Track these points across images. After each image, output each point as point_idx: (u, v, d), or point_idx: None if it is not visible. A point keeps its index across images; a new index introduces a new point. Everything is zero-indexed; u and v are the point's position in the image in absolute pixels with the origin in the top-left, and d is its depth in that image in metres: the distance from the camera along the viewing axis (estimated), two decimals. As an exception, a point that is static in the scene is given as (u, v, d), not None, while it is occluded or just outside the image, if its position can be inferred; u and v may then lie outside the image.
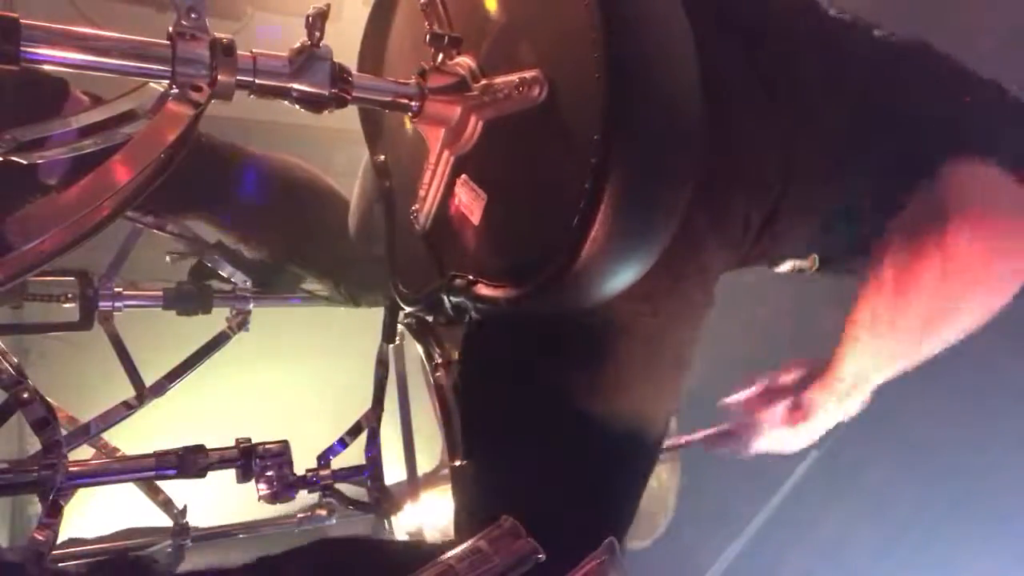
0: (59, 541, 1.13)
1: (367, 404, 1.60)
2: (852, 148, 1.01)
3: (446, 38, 0.91)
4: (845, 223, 1.05)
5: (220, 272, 1.74)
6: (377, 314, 1.57)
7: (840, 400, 1.14)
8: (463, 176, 0.97)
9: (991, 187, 0.98)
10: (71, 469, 1.21)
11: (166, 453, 1.28)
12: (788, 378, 1.24)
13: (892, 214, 1.00)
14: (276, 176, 1.67)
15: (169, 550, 1.54)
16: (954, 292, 0.99)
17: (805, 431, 1.21)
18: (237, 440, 1.37)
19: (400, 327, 1.54)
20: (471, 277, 0.94)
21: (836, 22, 1.07)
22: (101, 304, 1.64)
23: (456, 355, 1.15)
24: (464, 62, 0.92)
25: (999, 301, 1.01)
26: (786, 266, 1.17)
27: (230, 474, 1.35)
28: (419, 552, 0.80)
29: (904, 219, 0.99)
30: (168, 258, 1.71)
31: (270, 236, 1.69)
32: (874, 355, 1.07)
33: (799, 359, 1.24)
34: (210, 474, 1.31)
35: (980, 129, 1.05)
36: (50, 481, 1.12)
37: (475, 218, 0.94)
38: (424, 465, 1.88)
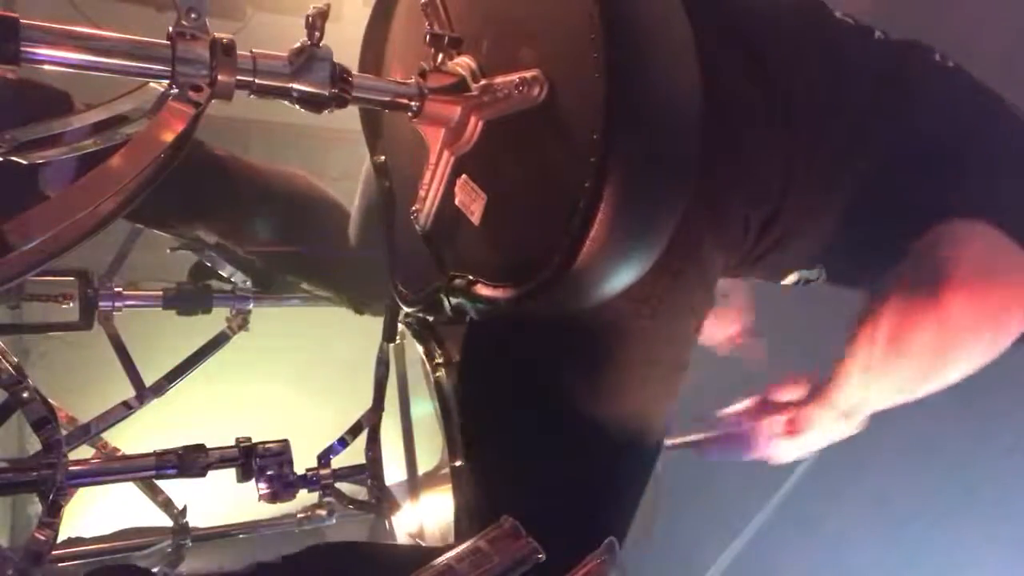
0: (59, 541, 1.13)
1: (367, 404, 1.60)
2: (852, 156, 1.01)
3: (446, 38, 0.91)
4: (848, 234, 1.05)
5: (220, 272, 1.74)
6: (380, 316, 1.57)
7: (836, 420, 1.15)
8: (463, 176, 0.97)
9: (991, 250, 1.00)
10: (71, 469, 1.21)
11: (166, 453, 1.28)
12: (786, 392, 1.24)
13: (894, 249, 1.01)
14: (275, 187, 1.68)
15: (169, 550, 1.54)
16: (946, 350, 1.01)
17: (797, 445, 1.22)
18: (237, 439, 1.37)
19: (400, 326, 1.54)
20: (471, 277, 0.94)
21: (840, 28, 1.07)
22: (101, 304, 1.64)
23: (456, 355, 1.15)
24: (464, 62, 0.92)
25: (990, 357, 1.03)
26: (792, 278, 1.17)
27: (230, 474, 1.36)
28: (418, 556, 0.80)
29: (902, 274, 1.01)
30: (169, 250, 1.71)
31: (269, 247, 1.69)
32: (866, 393, 1.08)
33: (799, 374, 1.24)
34: (210, 474, 1.31)
35: (985, 159, 1.06)
36: (50, 481, 1.12)
37: (475, 218, 0.94)
38: (424, 465, 1.88)
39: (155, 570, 1.51)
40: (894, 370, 1.03)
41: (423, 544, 1.67)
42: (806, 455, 1.25)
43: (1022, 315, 1.01)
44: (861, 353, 1.05)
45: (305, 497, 1.49)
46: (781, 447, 1.23)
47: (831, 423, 1.15)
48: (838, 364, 1.09)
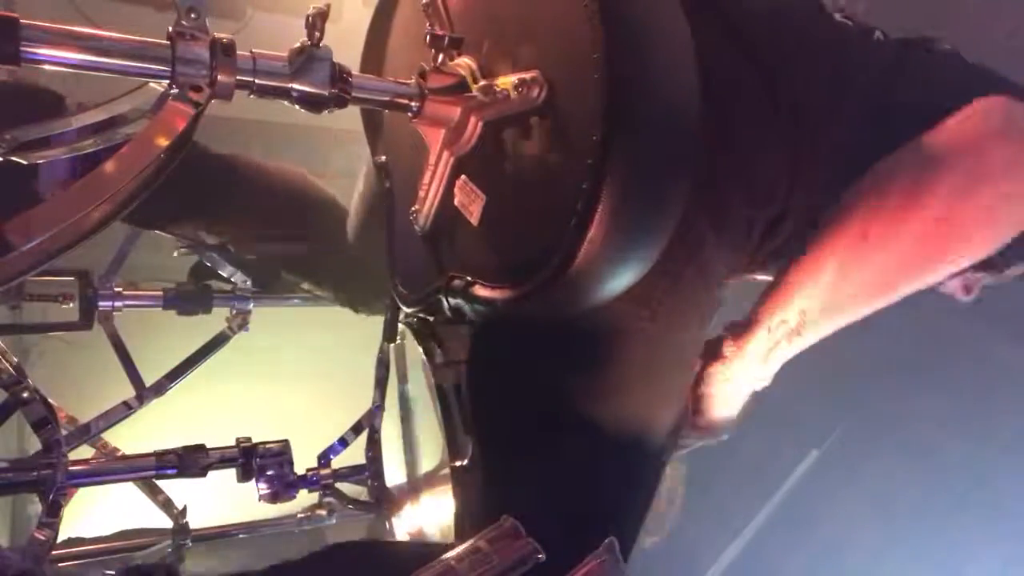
0: (59, 541, 1.13)
1: (367, 404, 1.60)
2: (858, 155, 1.00)
3: (446, 39, 0.91)
4: None
5: (220, 272, 1.75)
6: (378, 315, 1.57)
7: (764, 356, 1.04)
8: (463, 177, 0.97)
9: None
10: (71, 469, 1.21)
11: (166, 453, 1.28)
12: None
13: None
14: (274, 186, 1.68)
15: (169, 550, 1.54)
16: (951, 230, 0.93)
17: (721, 398, 1.08)
18: (237, 439, 1.37)
19: (401, 326, 1.54)
20: (469, 278, 0.94)
21: (840, 28, 1.07)
22: (101, 304, 1.64)
23: (456, 355, 1.15)
24: (464, 63, 0.92)
25: (983, 253, 0.95)
26: None
27: (230, 474, 1.36)
28: (424, 552, 0.80)
29: (888, 163, 0.94)
30: (176, 253, 1.71)
31: (268, 246, 1.69)
32: (826, 295, 0.98)
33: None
34: (210, 474, 1.31)
35: None
36: (50, 481, 1.13)
37: (474, 219, 0.94)
38: (424, 465, 1.89)
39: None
40: (875, 255, 0.94)
41: (425, 543, 1.67)
42: (735, 414, 1.10)
43: None
44: (840, 239, 0.94)
45: (305, 497, 1.49)
46: (708, 404, 1.09)
47: (752, 362, 1.04)
48: (783, 277, 1.00)
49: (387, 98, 0.91)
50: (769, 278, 1.11)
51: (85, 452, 1.41)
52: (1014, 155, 0.91)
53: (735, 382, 1.06)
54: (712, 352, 1.07)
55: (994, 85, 1.03)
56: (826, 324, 1.00)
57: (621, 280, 0.79)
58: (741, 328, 1.05)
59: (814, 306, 0.99)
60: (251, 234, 1.66)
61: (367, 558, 1.00)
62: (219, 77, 0.77)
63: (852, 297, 0.98)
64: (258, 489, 1.37)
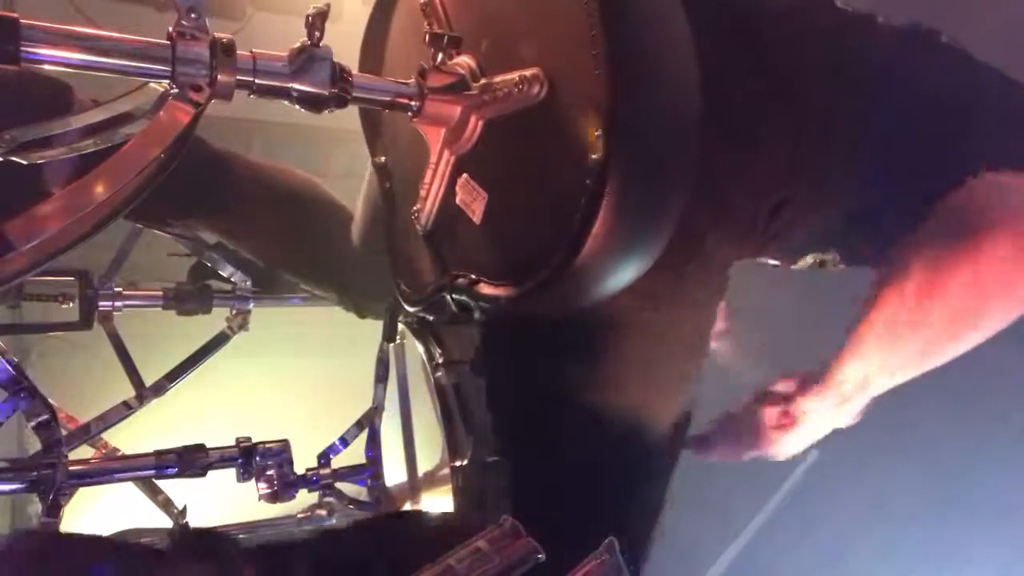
0: (59, 541, 1.12)
1: (367, 404, 1.60)
2: (861, 142, 1.00)
3: (445, 38, 0.91)
4: (863, 217, 1.04)
5: (220, 272, 1.74)
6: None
7: (837, 406, 1.13)
8: (464, 175, 0.97)
9: (1020, 197, 0.98)
10: (71, 469, 1.21)
11: (166, 452, 1.28)
12: (781, 385, 1.23)
13: (915, 214, 0.99)
14: (275, 184, 1.67)
15: (169, 550, 1.53)
16: (979, 302, 0.98)
17: (793, 437, 1.21)
18: (237, 439, 1.37)
19: (401, 326, 1.54)
20: (473, 276, 0.94)
21: (841, 15, 1.07)
22: (101, 304, 1.64)
23: (456, 355, 1.15)
24: (464, 62, 0.92)
25: (1018, 312, 1.00)
26: (807, 260, 1.16)
27: (230, 474, 1.36)
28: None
29: (931, 227, 0.98)
30: (168, 253, 1.70)
31: (268, 245, 1.69)
32: (883, 361, 1.06)
33: (793, 367, 1.24)
34: (210, 474, 1.31)
35: (995, 128, 1.04)
36: (50, 481, 1.13)
37: (476, 217, 0.94)
38: (424, 465, 1.88)
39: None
40: (921, 326, 1.00)
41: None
42: (804, 449, 1.23)
43: None
44: (887, 309, 1.01)
45: (305, 497, 1.49)
46: (778, 441, 1.22)
47: (827, 410, 1.14)
48: (849, 340, 1.07)
49: (387, 98, 0.90)
50: (774, 262, 1.14)
51: (85, 452, 1.41)
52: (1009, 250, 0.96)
53: (816, 421, 1.17)
54: (800, 389, 1.18)
55: (991, 74, 1.04)
56: (889, 382, 1.10)
57: (624, 275, 0.80)
58: (817, 379, 1.15)
59: (873, 371, 1.09)
60: (251, 231, 1.66)
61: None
62: (219, 77, 0.77)
63: (907, 365, 1.07)
64: (258, 489, 1.37)
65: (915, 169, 1.01)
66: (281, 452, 1.37)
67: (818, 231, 1.08)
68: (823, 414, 1.15)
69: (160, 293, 1.72)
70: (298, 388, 3.61)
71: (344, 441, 1.59)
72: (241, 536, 1.70)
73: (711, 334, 1.07)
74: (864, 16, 1.08)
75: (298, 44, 0.82)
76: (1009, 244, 0.95)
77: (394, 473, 1.64)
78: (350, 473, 1.56)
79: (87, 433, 1.43)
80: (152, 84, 0.79)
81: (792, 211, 1.00)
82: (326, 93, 0.83)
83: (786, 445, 1.23)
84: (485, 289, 0.92)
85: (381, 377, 1.59)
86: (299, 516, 1.64)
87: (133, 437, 1.53)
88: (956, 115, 1.02)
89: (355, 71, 0.87)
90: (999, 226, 0.95)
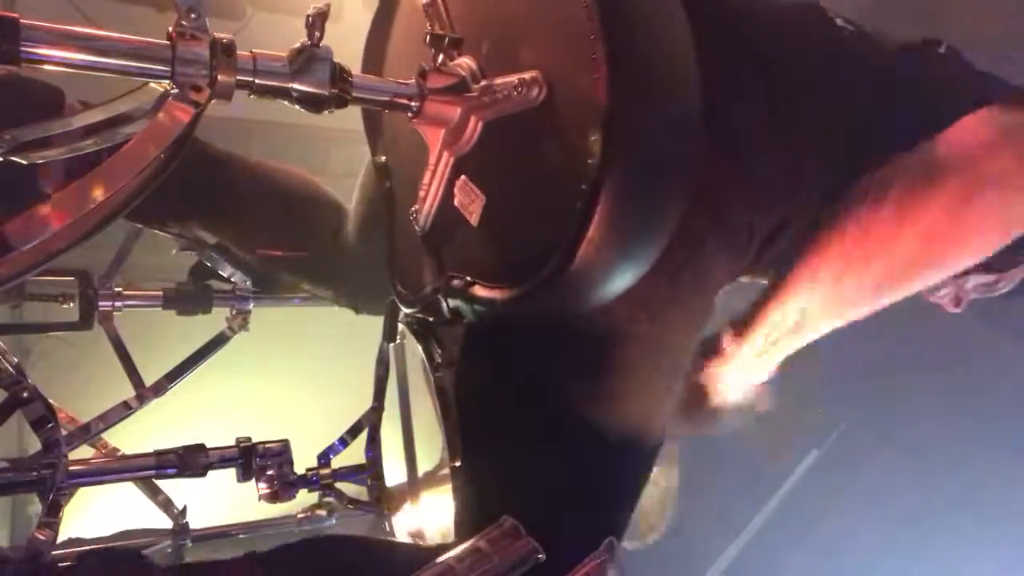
0: (59, 541, 1.13)
1: (367, 404, 1.60)
2: (858, 161, 1.00)
3: (446, 39, 0.91)
4: None
5: (220, 272, 1.74)
6: (379, 315, 1.56)
7: (760, 354, 1.05)
8: (462, 177, 0.97)
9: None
10: (71, 468, 1.21)
11: (166, 452, 1.28)
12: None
13: None
14: (273, 184, 1.67)
15: (169, 550, 1.54)
16: (962, 224, 0.93)
17: (723, 386, 1.09)
18: (237, 439, 1.37)
19: (401, 326, 1.54)
20: (469, 278, 0.94)
21: (840, 32, 1.07)
22: (101, 304, 1.64)
23: (457, 355, 1.15)
24: (464, 63, 0.92)
25: (989, 250, 0.96)
26: None
27: (230, 474, 1.36)
28: (417, 555, 0.80)
29: (914, 157, 0.94)
30: (174, 251, 1.70)
31: (266, 244, 1.69)
32: (828, 295, 0.99)
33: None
34: (210, 474, 1.31)
35: None
36: (50, 480, 1.13)
37: (474, 219, 0.94)
38: (424, 465, 1.88)
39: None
40: (887, 251, 0.94)
41: (422, 544, 1.67)
42: (726, 415, 1.11)
43: None
44: (852, 233, 0.95)
45: (305, 497, 1.49)
46: (698, 409, 1.10)
47: (747, 360, 1.05)
48: (788, 277, 1.00)
49: (387, 98, 0.91)
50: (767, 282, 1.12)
51: (85, 452, 1.41)
52: (1009, 164, 0.92)
53: (733, 377, 1.07)
54: (711, 347, 1.08)
55: (991, 87, 1.03)
56: (825, 324, 1.02)
57: (620, 281, 0.79)
58: (741, 325, 1.06)
59: (814, 306, 1.00)
60: (251, 231, 1.66)
61: (362, 553, 1.00)
62: (219, 77, 0.77)
63: (851, 298, 0.99)
64: (258, 489, 1.37)
65: None
66: (281, 452, 1.37)
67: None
68: (745, 361, 1.06)
69: (160, 293, 1.72)
70: (298, 388, 3.61)
71: (344, 441, 1.59)
72: (241, 536, 1.71)
73: (689, 357, 1.05)
74: (863, 33, 1.08)
75: (298, 44, 0.82)
76: (1012, 159, 0.92)
77: (394, 473, 1.64)
78: (350, 473, 1.56)
79: (87, 433, 1.43)
80: (152, 84, 0.79)
81: (791, 234, 1.00)
82: (326, 93, 0.83)
83: (712, 401, 1.11)
84: (480, 291, 0.92)
85: (381, 377, 1.59)
86: (299, 516, 1.64)
87: (133, 437, 1.53)
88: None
89: (355, 71, 0.87)
90: (997, 145, 0.92)
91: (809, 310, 1.00)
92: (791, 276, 1.00)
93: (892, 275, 0.97)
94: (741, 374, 1.07)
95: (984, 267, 1.02)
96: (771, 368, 1.07)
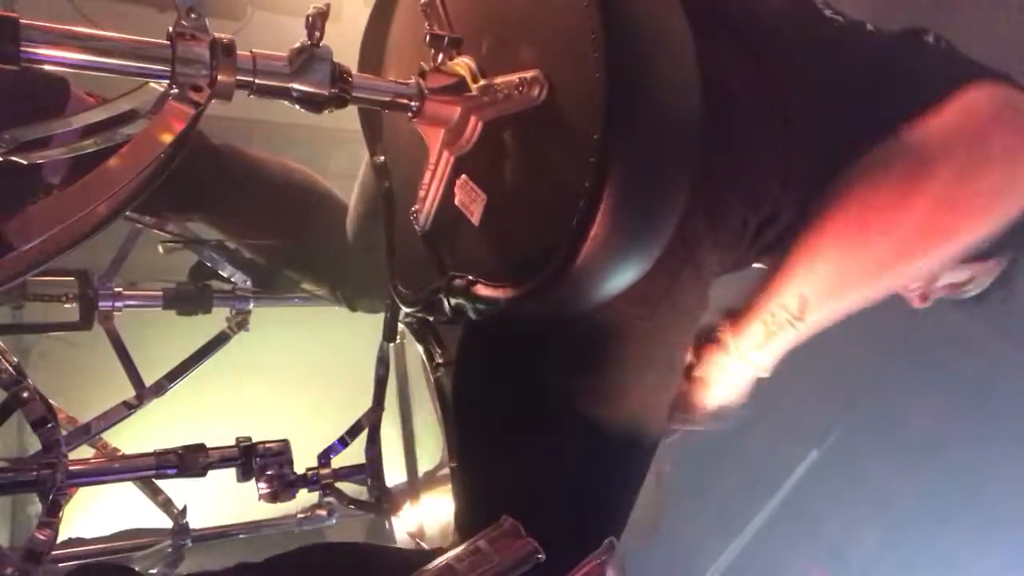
0: (59, 541, 1.13)
1: (367, 404, 1.60)
2: (849, 152, 1.00)
3: (446, 39, 0.91)
4: None
5: (220, 272, 1.74)
6: (377, 314, 1.57)
7: (760, 345, 1.02)
8: (463, 176, 0.97)
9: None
10: (71, 468, 1.21)
11: (166, 452, 1.28)
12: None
13: None
14: (273, 179, 1.67)
15: (169, 551, 1.54)
16: (973, 192, 0.91)
17: (709, 394, 1.07)
18: (237, 439, 1.37)
19: (401, 326, 1.54)
20: (470, 277, 0.94)
21: (832, 25, 1.07)
22: (101, 304, 1.64)
23: (456, 354, 1.15)
24: (464, 62, 0.92)
25: (981, 236, 0.94)
26: None
27: (230, 474, 1.36)
28: (414, 559, 0.80)
29: (914, 134, 0.93)
30: (161, 248, 1.69)
31: (264, 238, 1.69)
32: (828, 276, 0.97)
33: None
34: (210, 474, 1.31)
35: None
36: (50, 480, 1.13)
37: (475, 218, 0.94)
38: (424, 465, 1.89)
39: (154, 571, 1.51)
40: (889, 229, 0.93)
41: (424, 546, 1.67)
42: (726, 409, 1.08)
43: None
44: (853, 209, 0.93)
45: (305, 497, 1.50)
46: (693, 402, 1.08)
47: (747, 352, 1.02)
48: (785, 263, 0.98)
49: (387, 98, 0.90)
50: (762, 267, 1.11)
51: (85, 452, 1.41)
52: (1013, 139, 0.92)
53: (732, 369, 1.05)
54: (707, 338, 1.06)
55: (986, 76, 1.03)
56: (827, 310, 0.99)
57: (623, 278, 0.79)
58: (738, 314, 1.04)
59: (813, 292, 0.98)
60: (251, 227, 1.65)
61: (363, 561, 1.00)
62: (219, 77, 0.77)
63: (852, 283, 0.98)
64: (258, 489, 1.37)
65: None
66: (281, 452, 1.37)
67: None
68: (745, 352, 1.03)
69: (160, 293, 1.72)
70: (298, 388, 3.61)
71: (344, 441, 1.59)
72: (241, 536, 1.71)
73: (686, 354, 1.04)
74: (854, 24, 1.08)
75: (298, 44, 0.82)
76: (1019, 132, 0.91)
77: (394, 473, 1.65)
78: (350, 473, 1.56)
79: (87, 433, 1.43)
80: (152, 84, 0.79)
81: (780, 228, 1.00)
82: (326, 93, 0.83)
83: (711, 395, 1.08)
84: (482, 291, 0.92)
85: (381, 377, 1.59)
86: (299, 516, 1.65)
87: (133, 437, 1.53)
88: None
89: (355, 71, 0.87)
90: (999, 123, 0.92)
91: (809, 295, 0.98)
92: (789, 260, 0.99)
93: (897, 250, 0.95)
94: (741, 366, 1.05)
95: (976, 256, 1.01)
96: (773, 360, 1.05)
